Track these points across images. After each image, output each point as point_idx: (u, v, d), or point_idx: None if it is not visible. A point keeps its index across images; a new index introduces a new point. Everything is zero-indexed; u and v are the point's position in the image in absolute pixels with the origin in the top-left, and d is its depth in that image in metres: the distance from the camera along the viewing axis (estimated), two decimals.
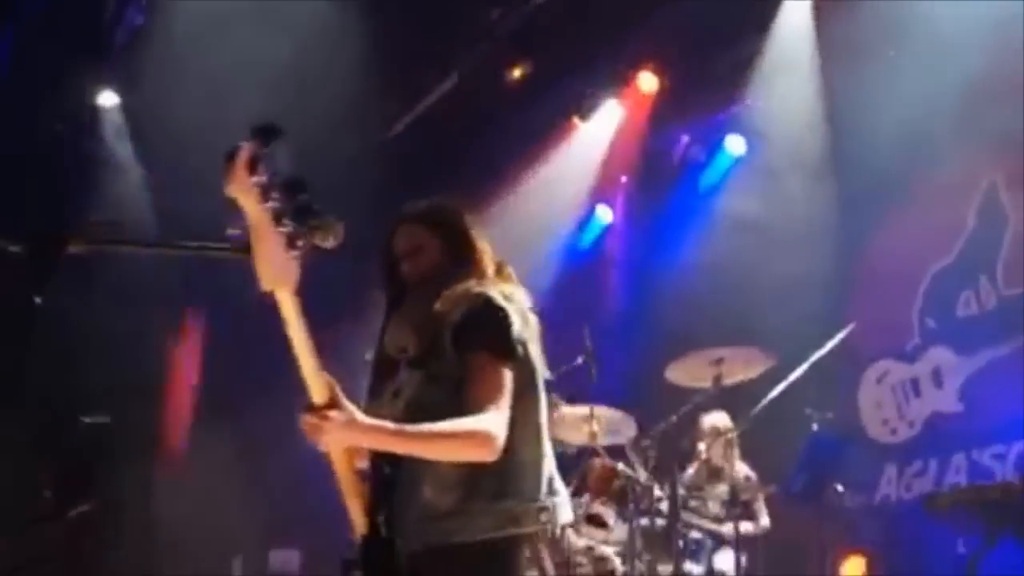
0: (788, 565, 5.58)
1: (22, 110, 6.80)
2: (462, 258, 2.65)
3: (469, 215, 2.76)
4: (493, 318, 2.51)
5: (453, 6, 7.13)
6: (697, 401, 5.27)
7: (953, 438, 6.11)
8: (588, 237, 8.36)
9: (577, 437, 5.43)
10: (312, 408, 2.34)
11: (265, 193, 2.06)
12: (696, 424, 5.68)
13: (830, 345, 5.15)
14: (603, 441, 5.38)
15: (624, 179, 8.11)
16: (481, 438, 2.41)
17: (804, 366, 5.07)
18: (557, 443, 5.48)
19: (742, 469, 5.60)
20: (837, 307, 6.26)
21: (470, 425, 2.42)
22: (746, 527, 5.35)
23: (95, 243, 2.60)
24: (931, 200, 6.25)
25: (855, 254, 6.64)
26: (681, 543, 5.02)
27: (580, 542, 5.18)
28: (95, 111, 7.38)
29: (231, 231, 2.18)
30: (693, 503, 5.26)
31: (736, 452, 5.62)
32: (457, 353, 2.50)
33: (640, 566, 4.96)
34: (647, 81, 7.37)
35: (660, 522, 5.08)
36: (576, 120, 7.75)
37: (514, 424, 2.46)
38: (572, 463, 5.51)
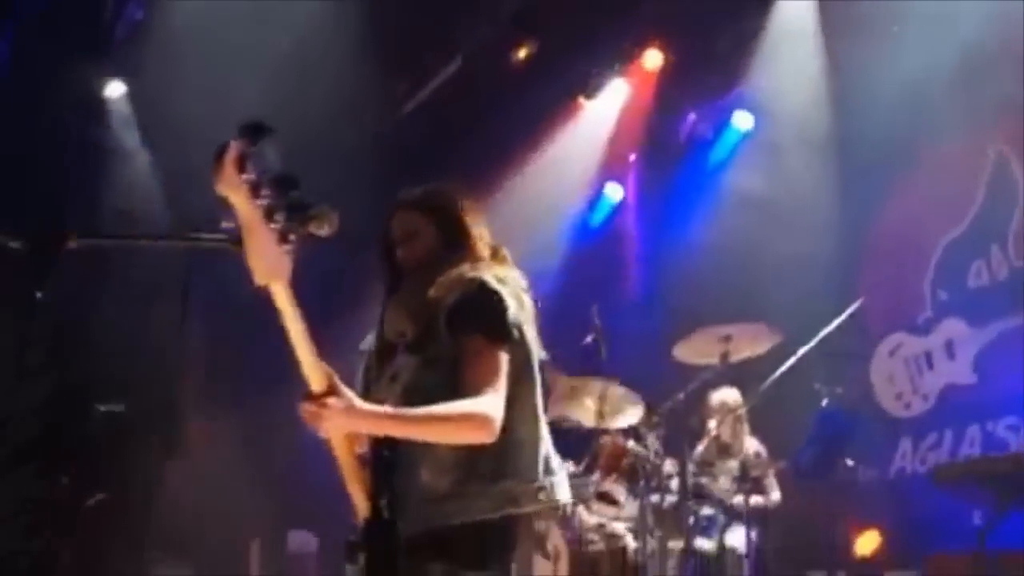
0: (800, 540, 5.59)
1: (27, 102, 6.84)
2: (456, 243, 2.66)
3: (465, 200, 2.77)
4: (487, 301, 2.53)
5: None
6: (706, 378, 5.26)
7: (967, 410, 6.09)
8: (598, 216, 8.34)
9: (586, 416, 5.45)
10: (311, 396, 2.37)
11: (255, 190, 2.09)
12: (705, 401, 5.68)
13: (839, 320, 5.12)
14: (612, 420, 5.39)
15: (632, 157, 8.09)
16: (479, 420, 2.43)
17: (813, 341, 5.05)
18: (565, 420, 5.54)
19: (752, 445, 5.60)
20: (846, 282, 6.24)
21: (467, 408, 2.44)
22: (757, 501, 5.36)
23: (93, 238, 2.64)
24: (939, 171, 6.21)
25: (864, 228, 6.62)
26: (692, 519, 5.03)
27: (592, 519, 5.22)
28: (101, 101, 7.40)
29: (226, 223, 2.21)
30: (703, 479, 5.26)
31: (745, 428, 5.63)
32: (452, 337, 2.52)
33: (652, 542, 4.98)
34: (652, 59, 7.34)
35: (671, 499, 5.08)
36: (582, 99, 7.73)
37: (511, 406, 2.48)
38: (582, 441, 5.54)
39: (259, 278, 2.16)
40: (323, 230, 2.25)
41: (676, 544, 4.99)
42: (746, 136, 7.33)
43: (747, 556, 4.97)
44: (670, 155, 7.70)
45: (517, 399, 2.52)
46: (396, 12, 7.04)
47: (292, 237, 2.17)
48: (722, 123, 7.42)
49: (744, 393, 5.52)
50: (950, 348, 6.27)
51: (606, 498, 5.18)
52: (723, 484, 5.30)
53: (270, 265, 2.15)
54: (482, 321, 2.51)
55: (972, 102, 5.80)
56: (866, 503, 5.98)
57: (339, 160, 7.46)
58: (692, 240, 7.26)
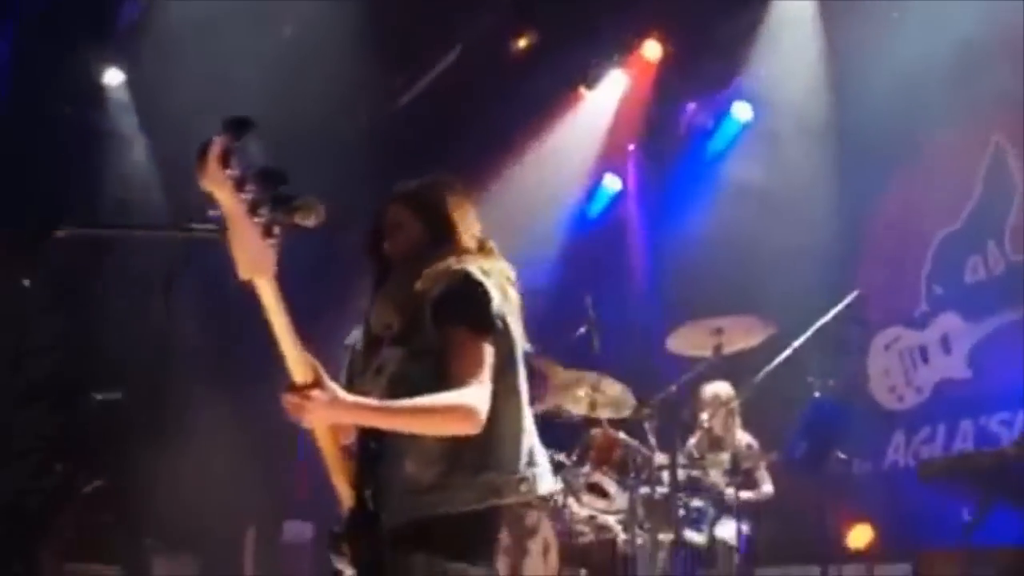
0: (792, 533, 5.59)
1: (28, 89, 6.85)
2: (441, 237, 2.68)
3: (456, 193, 2.78)
4: (472, 293, 2.54)
5: None
6: (699, 370, 5.27)
7: (961, 405, 6.09)
8: (596, 206, 8.34)
9: (580, 407, 5.46)
10: (294, 388, 2.37)
11: (240, 185, 2.10)
12: (697, 394, 5.69)
13: (833, 312, 5.12)
14: (604, 411, 5.40)
15: (631, 148, 8.08)
16: (463, 412, 2.44)
17: (807, 334, 5.05)
18: (561, 412, 5.55)
19: (743, 438, 5.61)
20: (844, 274, 6.23)
21: (452, 399, 2.45)
22: (748, 495, 5.37)
23: (81, 229, 2.66)
24: (937, 164, 6.20)
25: (862, 220, 6.60)
26: (683, 512, 5.04)
27: (582, 511, 5.23)
28: (100, 89, 7.40)
29: (213, 212, 2.21)
30: (694, 472, 5.27)
31: (737, 421, 5.64)
32: (438, 329, 2.53)
33: (641, 535, 4.99)
34: (651, 49, 7.33)
35: (661, 491, 5.09)
36: (582, 89, 7.72)
37: (495, 398, 2.50)
38: (576, 433, 5.55)
39: (243, 272, 2.18)
40: (310, 220, 2.27)
41: (666, 536, 5.00)
42: (746, 127, 7.32)
43: (738, 548, 4.97)
44: (669, 146, 7.70)
45: (501, 391, 2.53)
46: (396, 1, 7.03)
47: (277, 231, 2.18)
48: (722, 113, 7.41)
49: (738, 386, 5.52)
50: (945, 342, 6.26)
51: (596, 490, 5.19)
52: (714, 477, 5.31)
53: (254, 259, 2.16)
54: (467, 313, 2.52)
55: (970, 95, 5.78)
56: (859, 496, 5.99)
57: (337, 150, 7.47)
58: (690, 231, 7.26)
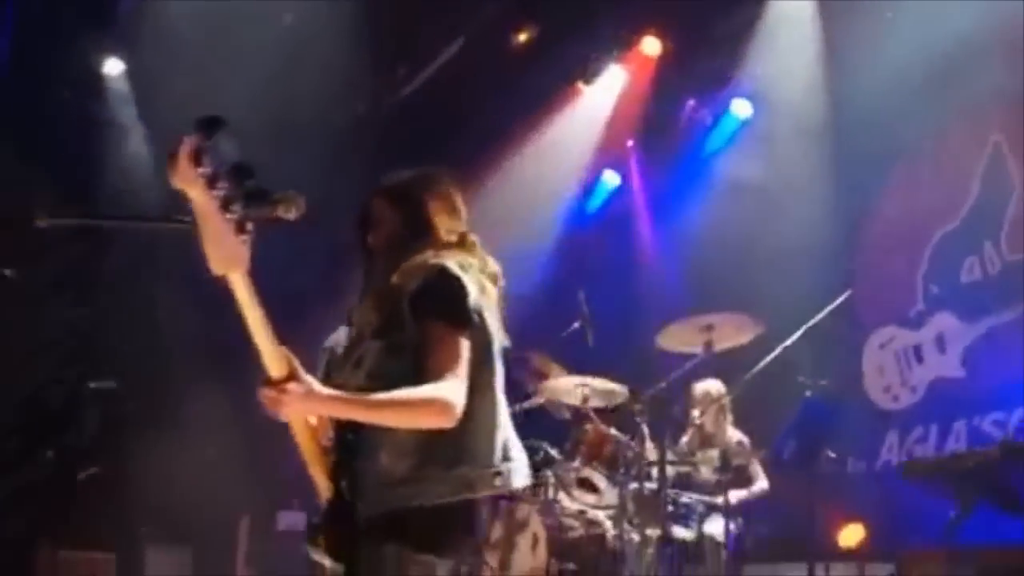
0: (783, 531, 5.59)
1: (28, 78, 6.86)
2: (417, 231, 2.69)
3: (435, 187, 2.77)
4: (448, 287, 2.54)
5: None
6: (691, 366, 5.25)
7: (955, 404, 6.08)
8: (594, 202, 8.33)
9: (572, 401, 5.46)
10: (270, 382, 2.39)
11: (211, 182, 2.11)
12: (689, 391, 5.68)
13: (825, 312, 5.11)
14: (596, 406, 5.39)
15: (630, 143, 8.07)
16: (439, 405, 2.44)
17: (798, 333, 5.04)
18: (556, 406, 5.55)
19: (734, 435, 5.61)
20: (839, 273, 6.22)
21: (428, 393, 2.45)
22: (740, 493, 5.37)
23: (61, 219, 2.67)
24: (935, 162, 6.17)
25: (858, 219, 6.58)
26: (672, 508, 5.03)
27: (572, 506, 5.23)
28: (100, 78, 7.41)
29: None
30: (684, 469, 5.27)
31: (729, 418, 5.63)
32: (415, 323, 2.53)
33: (630, 530, 4.99)
34: (650, 45, 7.32)
35: (651, 487, 5.09)
36: (580, 84, 7.71)
37: (470, 392, 2.50)
38: (568, 427, 5.55)
39: (216, 267, 2.20)
40: (291, 214, 2.29)
41: (655, 532, 5.00)
42: (744, 124, 7.31)
43: (725, 545, 4.97)
44: (668, 142, 7.68)
45: (477, 385, 2.53)
46: None
47: (250, 227, 2.19)
48: (720, 110, 7.39)
49: (730, 383, 5.51)
50: (940, 342, 6.25)
51: (586, 484, 5.19)
52: (705, 474, 5.31)
53: (226, 255, 2.18)
54: (443, 306, 2.53)
55: (969, 94, 5.76)
56: (851, 495, 5.99)
57: (336, 142, 7.48)
58: (686, 228, 7.26)
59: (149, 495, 7.15)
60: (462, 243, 2.72)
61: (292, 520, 7.68)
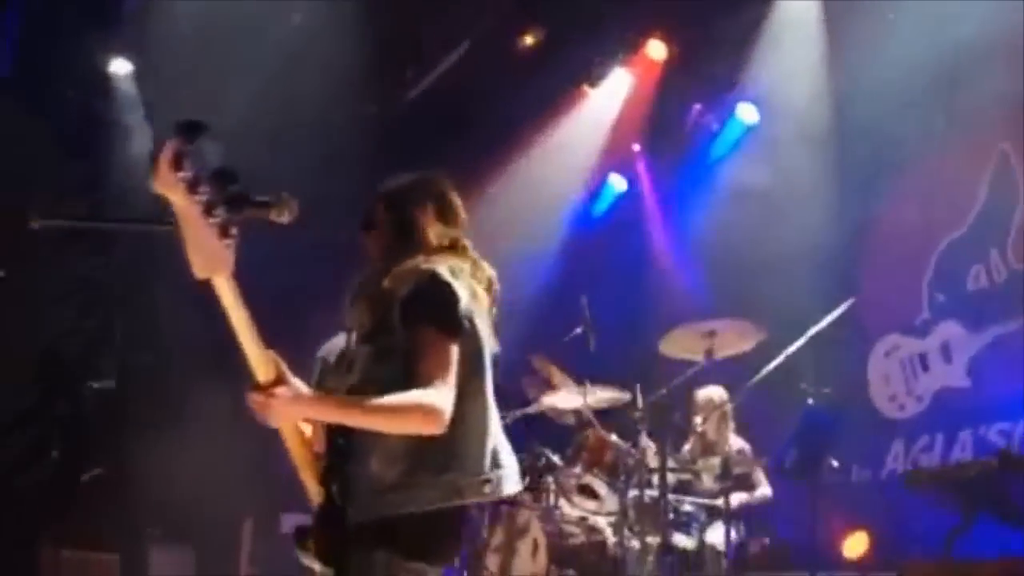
0: (785, 540, 5.55)
1: (34, 78, 6.88)
2: (406, 237, 2.68)
3: (430, 192, 2.76)
4: (439, 293, 2.53)
5: None
6: (692, 373, 5.22)
7: (960, 414, 6.03)
8: (600, 206, 8.31)
9: (574, 407, 5.45)
10: (258, 387, 2.38)
11: (193, 187, 2.10)
12: (691, 398, 5.65)
13: (828, 319, 5.07)
14: (598, 412, 5.37)
15: (636, 147, 8.04)
16: (427, 411, 2.43)
17: (801, 340, 5.00)
18: (558, 412, 5.53)
19: (736, 443, 5.57)
20: (844, 280, 6.17)
21: (416, 398, 2.44)
22: (742, 496, 5.33)
23: (53, 220, 2.67)
24: (941, 169, 6.12)
25: (864, 225, 6.54)
26: (672, 515, 5.01)
27: (573, 512, 5.22)
28: (106, 78, 7.42)
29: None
30: (685, 476, 5.24)
31: (731, 426, 5.60)
32: (405, 328, 2.52)
33: (631, 537, 4.97)
34: (656, 48, 7.29)
35: (651, 494, 5.06)
36: (586, 87, 7.69)
37: (460, 398, 2.49)
38: (569, 433, 5.53)
39: (200, 272, 2.19)
40: (283, 217, 2.29)
41: (655, 539, 4.97)
42: (750, 129, 7.27)
43: (726, 554, 4.93)
44: (673, 146, 7.66)
45: (467, 392, 2.52)
46: None
47: (234, 231, 2.18)
48: (726, 115, 7.36)
49: (732, 391, 5.48)
50: (946, 351, 6.20)
51: (587, 491, 5.17)
52: (706, 481, 5.28)
53: (209, 259, 2.17)
54: (433, 312, 2.51)
55: (976, 100, 5.71)
56: (856, 504, 5.95)
57: (343, 145, 7.47)
58: (691, 233, 7.23)
59: (153, 495, 7.15)
60: (454, 248, 2.71)
61: (295, 522, 7.66)
